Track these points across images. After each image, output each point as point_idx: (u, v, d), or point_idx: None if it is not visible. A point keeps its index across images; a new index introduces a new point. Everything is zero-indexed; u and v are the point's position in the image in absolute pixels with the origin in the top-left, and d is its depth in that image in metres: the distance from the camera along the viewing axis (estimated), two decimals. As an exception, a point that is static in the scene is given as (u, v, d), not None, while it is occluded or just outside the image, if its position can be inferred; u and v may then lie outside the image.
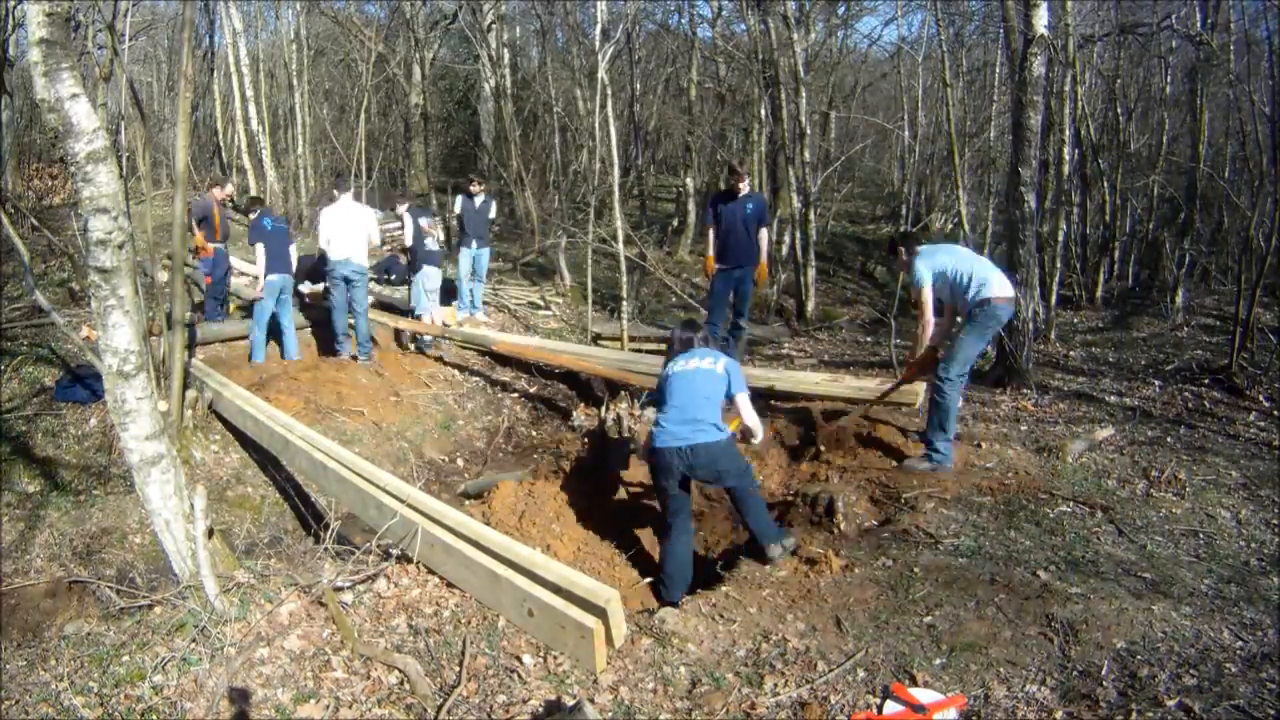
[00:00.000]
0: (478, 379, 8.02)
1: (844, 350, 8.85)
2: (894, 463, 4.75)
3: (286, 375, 6.90)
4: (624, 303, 8.67)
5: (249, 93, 13.96)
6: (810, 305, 10.64)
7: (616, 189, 8.97)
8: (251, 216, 7.33)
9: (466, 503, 4.94)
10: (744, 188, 6.49)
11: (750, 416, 3.97)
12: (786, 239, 11.57)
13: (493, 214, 9.12)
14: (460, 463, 6.72)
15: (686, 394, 3.84)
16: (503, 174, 14.04)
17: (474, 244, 8.87)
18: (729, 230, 6.53)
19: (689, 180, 15.00)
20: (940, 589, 3.34)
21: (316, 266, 8.37)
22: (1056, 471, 4.62)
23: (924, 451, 4.66)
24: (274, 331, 7.30)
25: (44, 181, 13.84)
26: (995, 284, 4.50)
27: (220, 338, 7.36)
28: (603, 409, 6.58)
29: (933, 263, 4.64)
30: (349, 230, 7.25)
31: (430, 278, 8.28)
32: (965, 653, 2.91)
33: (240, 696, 2.60)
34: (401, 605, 3.22)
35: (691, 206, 14.85)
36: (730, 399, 3.95)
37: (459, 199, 9.04)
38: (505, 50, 16.03)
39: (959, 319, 4.72)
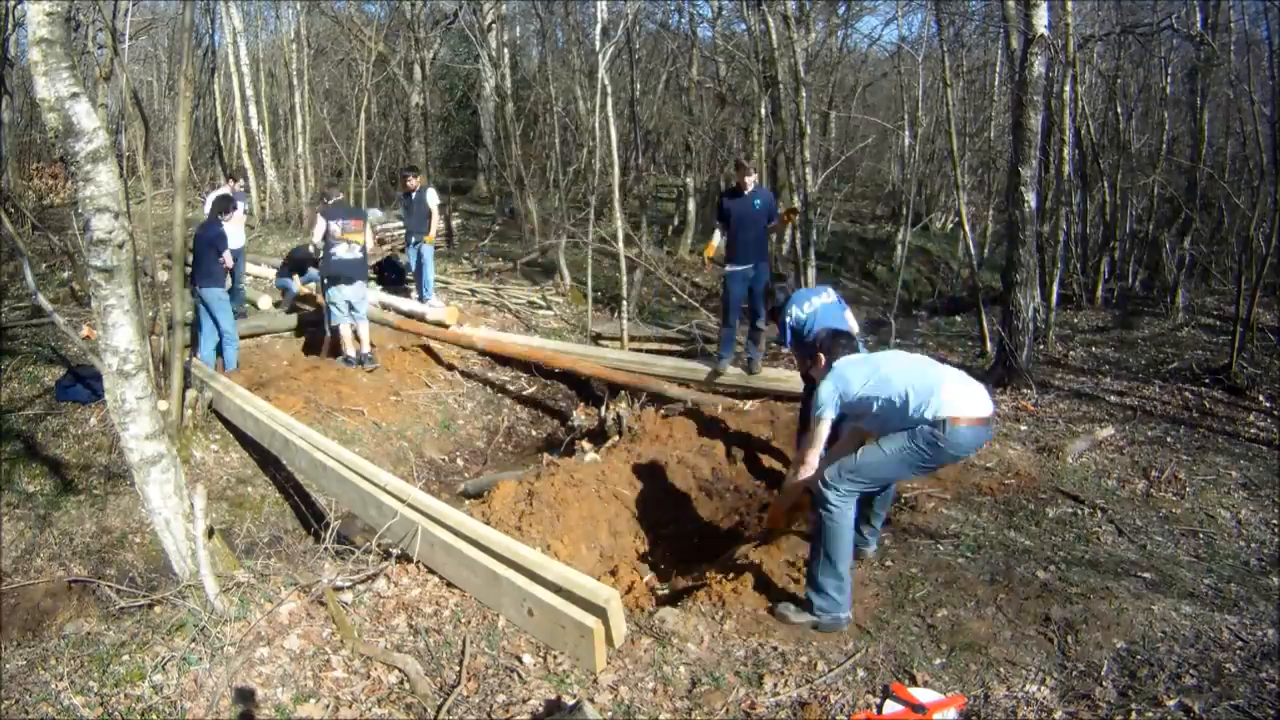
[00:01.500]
0: (478, 379, 8.02)
1: (844, 350, 8.83)
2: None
3: (287, 375, 6.90)
4: (624, 302, 8.67)
5: (249, 92, 13.97)
6: (811, 305, 10.60)
7: (616, 188, 8.97)
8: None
9: (466, 502, 4.93)
10: (750, 183, 6.14)
11: None
12: (787, 238, 11.57)
13: (430, 201, 8.50)
14: (460, 463, 6.72)
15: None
16: (503, 173, 14.04)
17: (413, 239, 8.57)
18: (739, 227, 6.15)
19: (689, 179, 14.99)
20: (940, 589, 3.34)
21: (305, 261, 8.42)
22: (1056, 471, 4.63)
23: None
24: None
25: (44, 181, 13.85)
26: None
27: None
28: (603, 409, 6.59)
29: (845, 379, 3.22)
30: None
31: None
32: (965, 653, 2.91)
33: (240, 696, 2.60)
34: (401, 605, 3.22)
35: (691, 206, 14.85)
36: None
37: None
38: (505, 50, 16.04)
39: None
